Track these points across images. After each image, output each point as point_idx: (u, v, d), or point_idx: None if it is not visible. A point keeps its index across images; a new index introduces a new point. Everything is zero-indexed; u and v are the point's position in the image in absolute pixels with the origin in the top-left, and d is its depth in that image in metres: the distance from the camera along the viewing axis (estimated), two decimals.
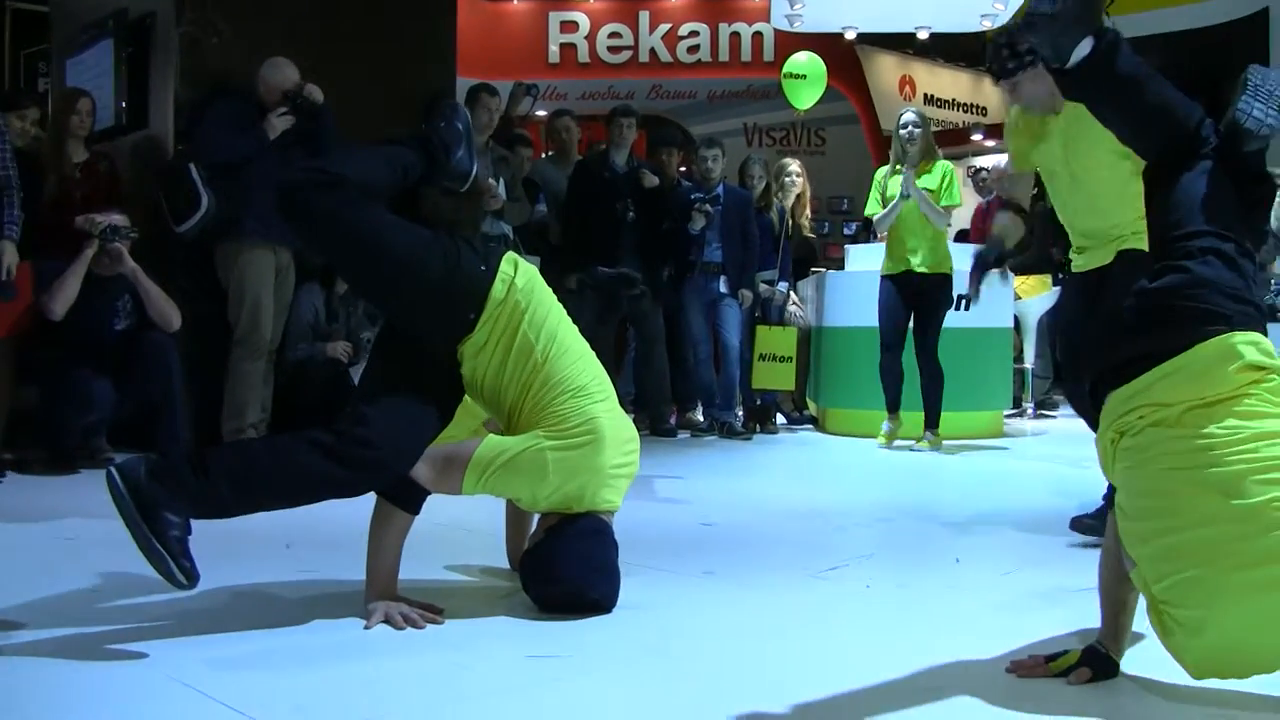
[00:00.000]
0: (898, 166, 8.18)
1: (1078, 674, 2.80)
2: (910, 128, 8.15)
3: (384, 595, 3.37)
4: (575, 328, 3.63)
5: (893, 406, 8.19)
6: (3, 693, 2.78)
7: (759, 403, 9.33)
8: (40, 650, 3.05)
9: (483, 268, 3.46)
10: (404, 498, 3.37)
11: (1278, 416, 2.66)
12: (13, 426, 6.56)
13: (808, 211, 9.75)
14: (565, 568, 3.42)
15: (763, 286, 9.22)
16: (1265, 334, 2.79)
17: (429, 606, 3.39)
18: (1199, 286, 2.79)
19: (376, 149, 3.72)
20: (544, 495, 3.43)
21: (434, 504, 3.48)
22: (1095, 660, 2.82)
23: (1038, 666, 2.87)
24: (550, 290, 3.62)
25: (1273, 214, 7.65)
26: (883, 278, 8.14)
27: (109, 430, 6.78)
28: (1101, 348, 2.96)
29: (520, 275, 3.50)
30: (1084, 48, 2.99)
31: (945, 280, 8.03)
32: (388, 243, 3.44)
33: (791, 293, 9.62)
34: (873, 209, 8.31)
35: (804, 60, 12.66)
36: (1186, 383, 2.69)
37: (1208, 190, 2.94)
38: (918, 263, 7.96)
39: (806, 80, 11.87)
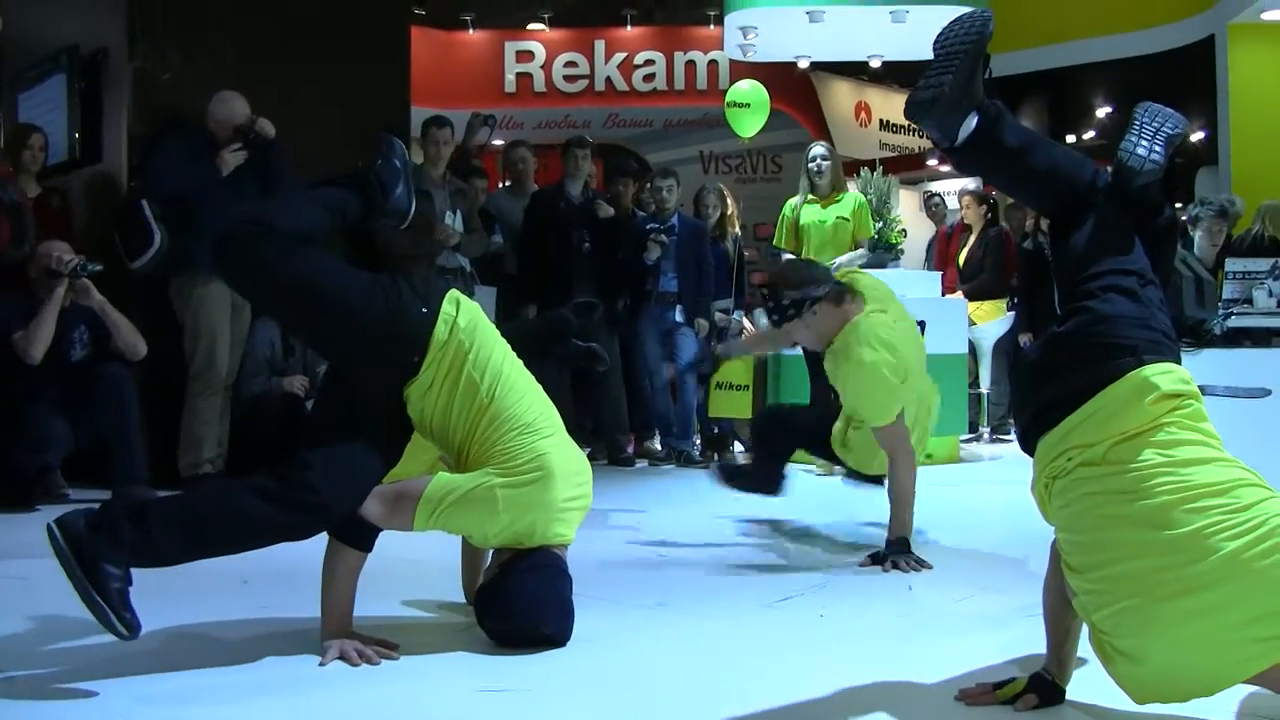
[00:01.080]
0: (809, 197, 8.29)
1: (1024, 700, 2.85)
2: (819, 160, 8.29)
3: (339, 632, 3.38)
4: (520, 363, 3.64)
5: None
6: None
7: (716, 431, 9.36)
8: None
9: (424, 309, 3.46)
10: (354, 536, 3.39)
11: (1199, 443, 2.73)
12: None
13: (736, 230, 9.78)
14: (517, 604, 3.44)
15: (718, 315, 9.26)
16: (1179, 361, 2.86)
17: (384, 642, 3.40)
18: (1101, 322, 2.87)
19: (311, 193, 3.72)
20: (494, 532, 3.45)
21: (390, 539, 3.50)
22: (1041, 687, 2.86)
23: (985, 694, 2.91)
24: (494, 327, 3.63)
25: (1194, 256, 7.73)
26: None
27: (66, 464, 6.74)
28: (1023, 397, 3.03)
29: (463, 315, 3.50)
30: (970, 124, 3.07)
31: None
32: (325, 291, 3.43)
33: (744, 321, 9.66)
34: (782, 240, 8.42)
35: (746, 89, 12.70)
36: (1106, 421, 2.75)
37: (1102, 231, 3.03)
38: None
39: (750, 109, 11.93)
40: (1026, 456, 3.00)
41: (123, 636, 3.09)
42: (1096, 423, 2.76)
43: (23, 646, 3.54)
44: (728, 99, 13.42)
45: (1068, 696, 2.89)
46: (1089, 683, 2.88)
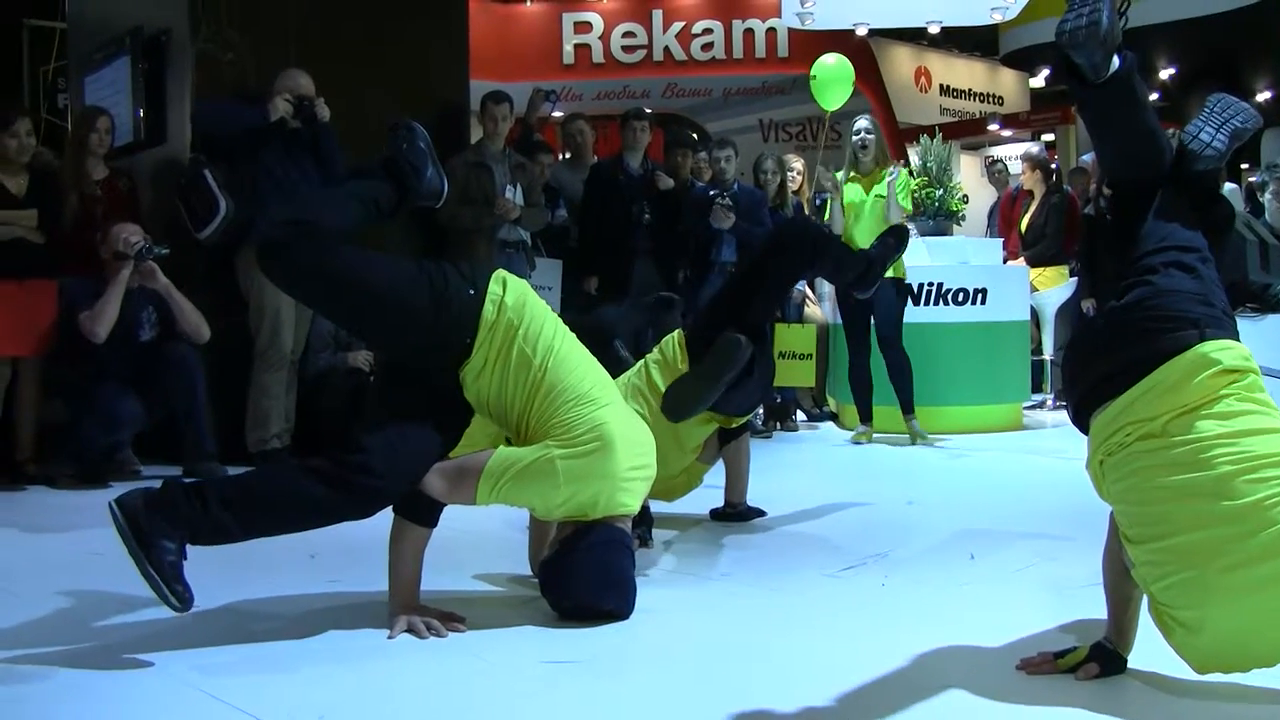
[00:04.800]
0: (852, 173, 8.26)
1: (1085, 670, 2.86)
2: (863, 134, 8.23)
3: (406, 606, 3.44)
4: (574, 336, 3.67)
5: (865, 415, 8.29)
6: (33, 701, 2.88)
7: (779, 400, 9.36)
8: (69, 659, 3.17)
9: (471, 291, 3.50)
10: (418, 513, 3.44)
11: (1257, 413, 2.72)
12: (40, 441, 6.66)
13: (805, 198, 9.79)
14: (577, 582, 3.49)
15: None
16: (1237, 338, 2.85)
17: (451, 615, 3.46)
18: (1162, 295, 2.86)
19: (345, 187, 3.77)
20: (557, 504, 3.48)
21: (457, 512, 3.55)
22: (1102, 656, 2.87)
23: (1046, 663, 2.92)
24: (544, 303, 3.66)
25: (1261, 221, 7.63)
26: None
27: (136, 441, 6.85)
28: (1077, 372, 3.01)
29: (510, 293, 3.53)
30: (1114, 64, 2.99)
31: (897, 280, 8.10)
32: (372, 286, 3.47)
33: (807, 291, 9.64)
34: (826, 213, 8.42)
35: (830, 63, 12.49)
36: (1165, 395, 2.74)
37: (1169, 207, 3.01)
38: None
39: (816, 80, 11.75)
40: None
41: (175, 608, 3.20)
42: (1155, 396, 2.75)
43: (95, 617, 3.64)
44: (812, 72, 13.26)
45: (1129, 665, 2.90)
46: (1151, 652, 2.87)
